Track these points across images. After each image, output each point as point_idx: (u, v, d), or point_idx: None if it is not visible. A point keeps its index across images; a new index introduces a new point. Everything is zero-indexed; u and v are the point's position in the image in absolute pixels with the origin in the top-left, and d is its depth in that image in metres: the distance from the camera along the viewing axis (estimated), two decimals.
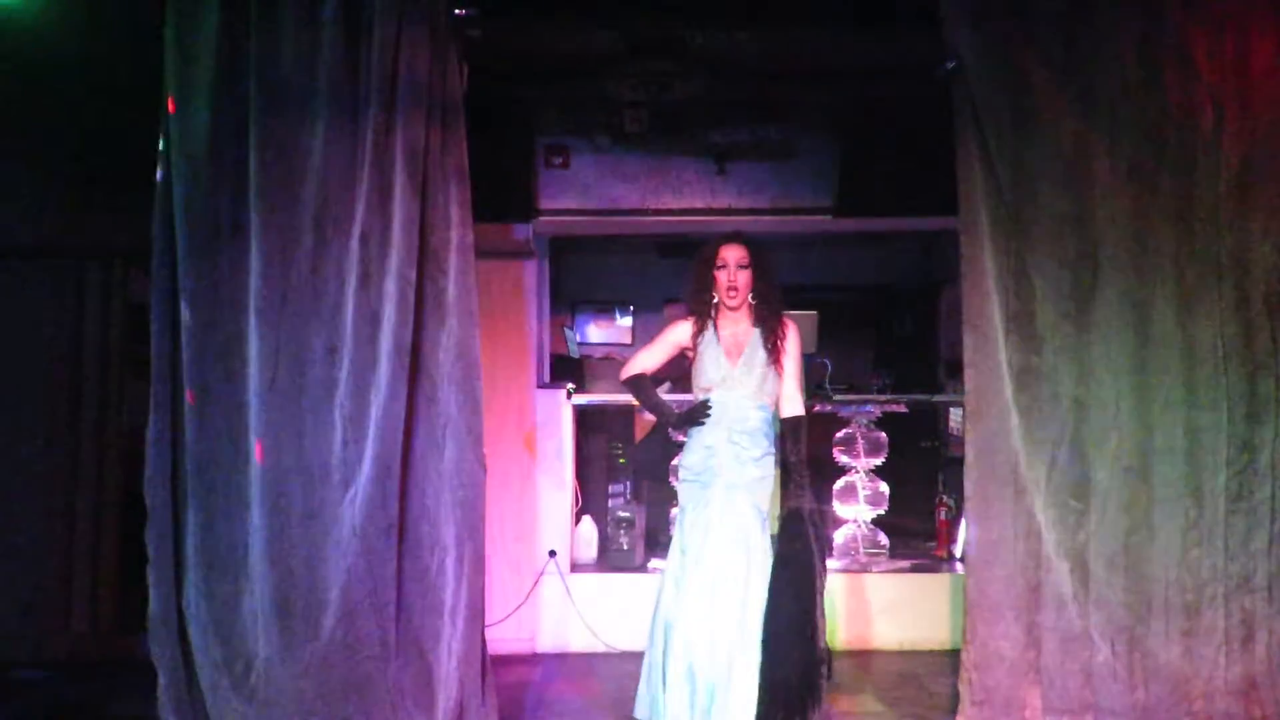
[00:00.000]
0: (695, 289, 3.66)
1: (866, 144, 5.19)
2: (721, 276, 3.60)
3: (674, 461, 4.67)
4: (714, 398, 3.56)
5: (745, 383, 3.55)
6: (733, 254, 3.60)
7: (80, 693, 4.42)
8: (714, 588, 3.40)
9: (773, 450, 3.57)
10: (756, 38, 4.58)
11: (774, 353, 3.57)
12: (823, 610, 3.45)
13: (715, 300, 3.62)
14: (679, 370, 3.86)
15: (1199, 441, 3.50)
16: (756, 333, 3.60)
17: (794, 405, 3.60)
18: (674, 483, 4.86)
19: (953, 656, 3.78)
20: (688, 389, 3.75)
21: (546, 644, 5.14)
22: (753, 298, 3.62)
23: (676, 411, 3.71)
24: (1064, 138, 3.55)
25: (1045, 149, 3.56)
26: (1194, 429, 3.50)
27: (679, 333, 3.69)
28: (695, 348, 3.64)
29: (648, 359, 3.74)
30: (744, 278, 3.59)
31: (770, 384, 3.58)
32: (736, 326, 3.63)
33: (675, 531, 3.61)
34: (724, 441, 3.51)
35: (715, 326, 3.63)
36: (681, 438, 3.69)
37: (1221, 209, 3.51)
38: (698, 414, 3.57)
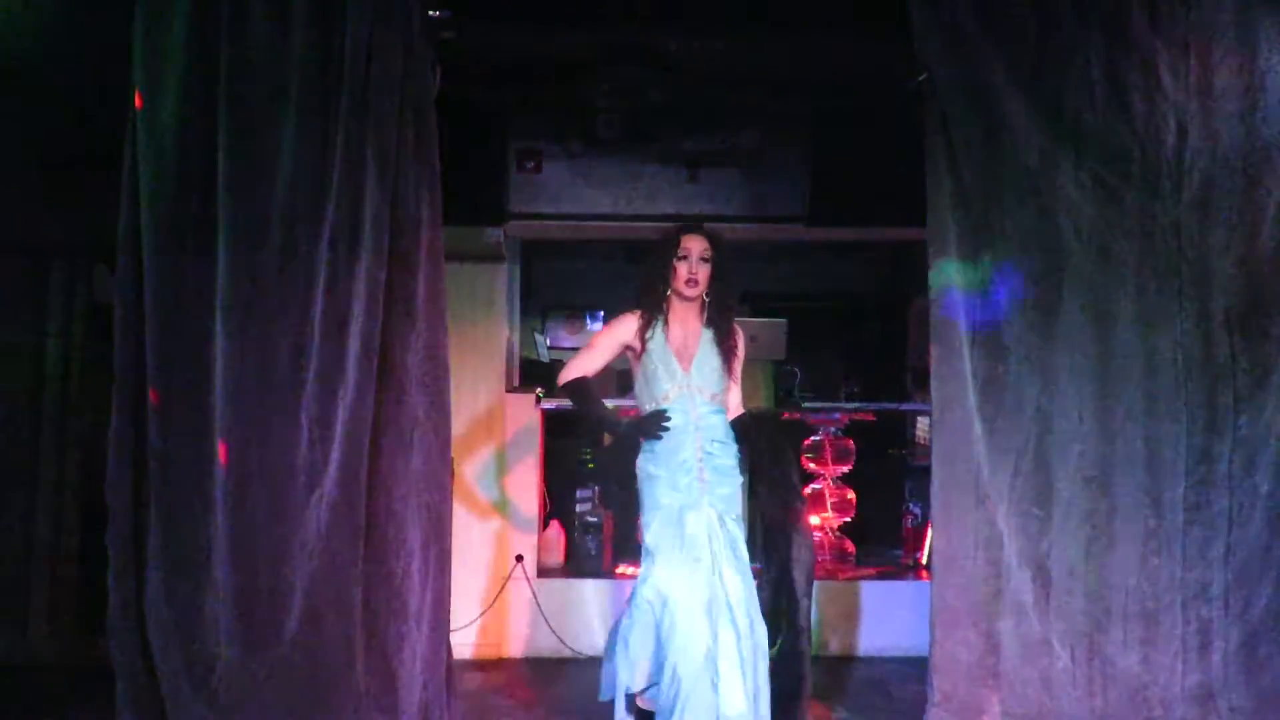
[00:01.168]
0: (649, 279, 3.47)
1: (839, 154, 5.20)
2: (682, 268, 3.43)
3: None
4: (674, 408, 3.39)
5: (704, 388, 3.41)
6: (696, 244, 3.45)
7: (38, 696, 4.34)
8: (721, 611, 3.23)
9: (739, 453, 3.49)
10: (731, 46, 4.60)
11: (728, 357, 3.47)
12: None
13: (668, 294, 3.46)
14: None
15: (1159, 452, 3.55)
16: (708, 334, 3.49)
17: (740, 410, 3.57)
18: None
19: (919, 663, 3.81)
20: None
21: (512, 649, 5.12)
22: (708, 295, 3.48)
23: (625, 420, 3.51)
24: (1030, 151, 3.59)
25: (1012, 162, 3.60)
26: (1154, 440, 3.55)
27: (623, 329, 3.47)
28: (642, 345, 3.45)
29: (589, 361, 3.48)
30: (705, 271, 3.44)
31: (722, 387, 3.48)
32: (686, 327, 3.48)
33: (644, 562, 3.41)
34: (701, 454, 3.37)
35: (665, 324, 3.46)
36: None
37: (1183, 224, 3.56)
38: (652, 426, 3.34)
